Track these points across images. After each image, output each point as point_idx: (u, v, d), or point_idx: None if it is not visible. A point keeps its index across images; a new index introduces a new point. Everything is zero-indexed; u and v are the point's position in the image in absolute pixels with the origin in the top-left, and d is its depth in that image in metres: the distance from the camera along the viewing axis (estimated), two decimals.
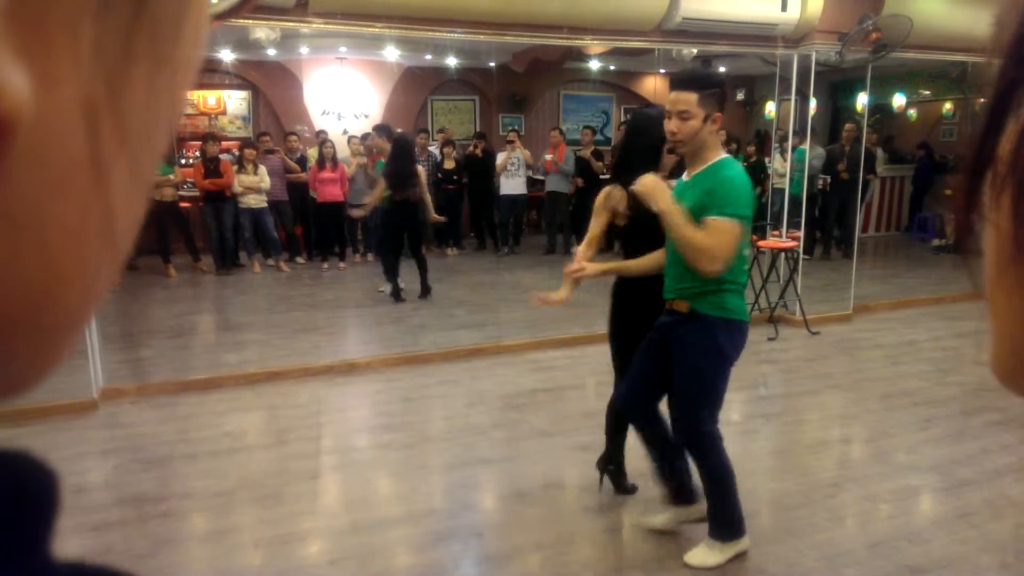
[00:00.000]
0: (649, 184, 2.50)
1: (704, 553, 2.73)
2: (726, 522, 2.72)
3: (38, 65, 0.17)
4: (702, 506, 2.82)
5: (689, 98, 2.47)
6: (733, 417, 3.45)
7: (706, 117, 2.49)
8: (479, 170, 9.72)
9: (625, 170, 2.86)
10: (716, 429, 2.66)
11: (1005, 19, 0.28)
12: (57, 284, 0.20)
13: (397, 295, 6.90)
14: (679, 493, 2.90)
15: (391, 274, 6.96)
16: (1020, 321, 0.29)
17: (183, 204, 8.70)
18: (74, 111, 0.19)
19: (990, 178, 0.29)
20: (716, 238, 2.42)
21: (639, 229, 2.87)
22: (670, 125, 2.52)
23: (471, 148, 9.90)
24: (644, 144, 2.91)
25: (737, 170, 2.52)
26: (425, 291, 7.01)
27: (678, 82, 2.53)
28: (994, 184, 0.28)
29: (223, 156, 8.51)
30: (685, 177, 2.65)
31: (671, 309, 2.67)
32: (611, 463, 3.28)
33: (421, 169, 6.83)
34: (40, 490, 0.23)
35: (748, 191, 2.51)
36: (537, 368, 5.11)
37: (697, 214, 2.47)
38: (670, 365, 2.67)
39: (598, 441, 3.84)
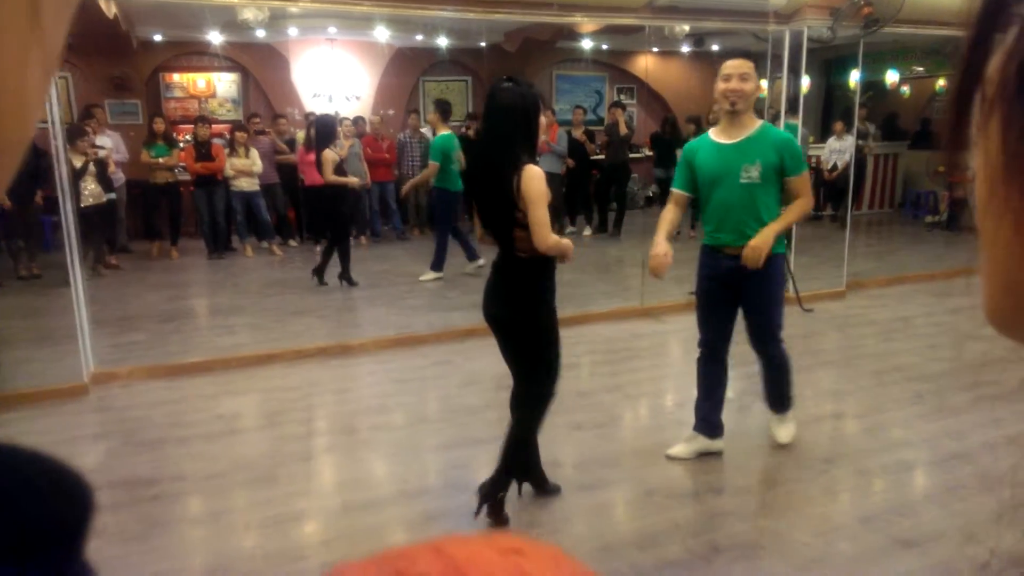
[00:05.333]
0: (761, 246, 3.00)
1: (786, 427, 3.49)
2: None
3: None
4: (721, 443, 3.40)
5: (750, 65, 3.05)
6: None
7: (755, 86, 3.07)
8: (472, 151, 9.65)
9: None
10: None
11: None
12: None
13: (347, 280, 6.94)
14: (718, 426, 3.40)
15: (343, 259, 6.92)
16: (1012, 254, 0.27)
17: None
18: None
19: (978, 102, 0.27)
20: (804, 191, 3.12)
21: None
22: (731, 84, 2.99)
23: (464, 129, 9.83)
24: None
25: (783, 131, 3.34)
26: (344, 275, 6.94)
27: (740, 53, 3.15)
28: (982, 107, 0.27)
29: (215, 140, 8.42)
30: (720, 139, 3.10)
31: (733, 255, 3.09)
32: (530, 473, 3.05)
33: (329, 153, 6.60)
34: (75, 497, 0.23)
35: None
36: None
37: (773, 170, 3.03)
38: (737, 303, 3.24)
39: (592, 419, 3.84)
